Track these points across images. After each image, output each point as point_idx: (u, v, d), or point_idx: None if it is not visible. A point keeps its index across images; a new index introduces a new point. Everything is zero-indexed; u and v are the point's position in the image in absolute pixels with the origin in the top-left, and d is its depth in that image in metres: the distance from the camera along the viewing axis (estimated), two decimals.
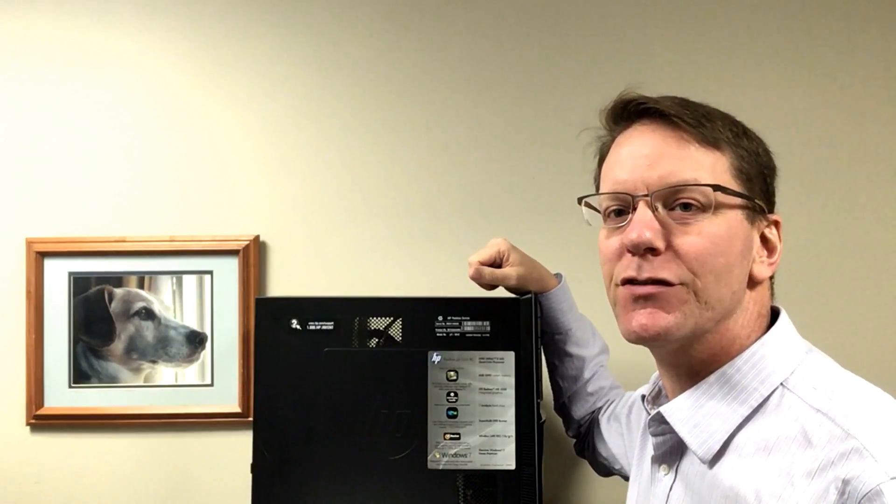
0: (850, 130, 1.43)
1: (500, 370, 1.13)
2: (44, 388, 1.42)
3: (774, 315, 0.75)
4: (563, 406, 1.23)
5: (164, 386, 1.44)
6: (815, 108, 1.44)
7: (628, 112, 0.75)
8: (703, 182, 0.68)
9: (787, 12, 1.45)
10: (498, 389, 1.13)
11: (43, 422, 1.42)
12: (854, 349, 1.39)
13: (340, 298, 1.21)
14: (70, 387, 1.43)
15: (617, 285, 0.73)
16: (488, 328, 1.14)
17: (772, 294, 0.76)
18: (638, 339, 0.70)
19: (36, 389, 1.42)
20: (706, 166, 0.69)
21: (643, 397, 0.83)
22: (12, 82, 1.45)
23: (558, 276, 1.20)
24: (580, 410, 1.20)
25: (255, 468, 1.14)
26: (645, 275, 0.69)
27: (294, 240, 1.46)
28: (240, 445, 1.41)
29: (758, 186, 0.72)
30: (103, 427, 1.43)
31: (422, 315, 1.15)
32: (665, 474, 0.76)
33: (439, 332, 1.14)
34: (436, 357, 1.14)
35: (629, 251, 0.70)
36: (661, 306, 0.69)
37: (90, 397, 1.43)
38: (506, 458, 1.11)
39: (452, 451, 1.12)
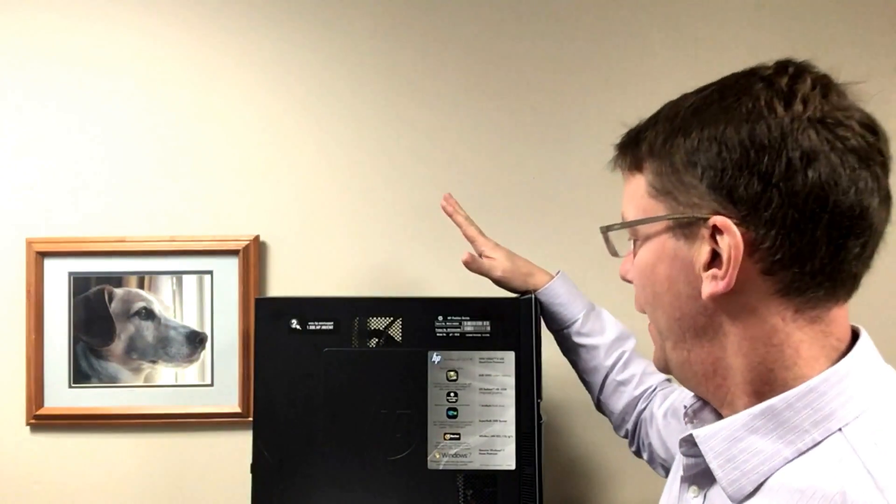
0: None
1: (500, 370, 1.13)
2: (44, 388, 1.42)
3: (855, 338, 0.62)
4: (599, 404, 1.19)
5: (164, 386, 1.44)
6: None
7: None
8: (627, 219, 0.67)
9: (789, 12, 1.45)
10: (498, 389, 1.13)
11: (43, 422, 1.42)
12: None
13: (340, 298, 1.21)
14: (70, 387, 1.43)
15: None
16: (488, 328, 1.14)
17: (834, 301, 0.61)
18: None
19: (36, 389, 1.42)
20: (630, 196, 0.67)
21: (684, 408, 0.75)
22: (12, 82, 1.45)
23: (558, 273, 1.19)
24: (617, 403, 1.15)
25: (255, 468, 1.14)
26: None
27: (294, 240, 1.46)
28: (240, 445, 1.41)
29: (701, 187, 0.59)
30: (103, 427, 1.43)
31: (422, 315, 1.15)
32: (694, 497, 0.69)
33: (439, 332, 1.14)
34: (436, 357, 1.14)
35: None
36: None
37: (90, 397, 1.43)
38: (506, 459, 1.11)
39: (452, 452, 1.12)
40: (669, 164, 0.62)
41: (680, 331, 0.64)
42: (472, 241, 1.21)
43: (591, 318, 1.17)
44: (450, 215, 1.23)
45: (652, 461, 1.12)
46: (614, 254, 0.73)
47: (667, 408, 1.08)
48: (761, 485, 0.60)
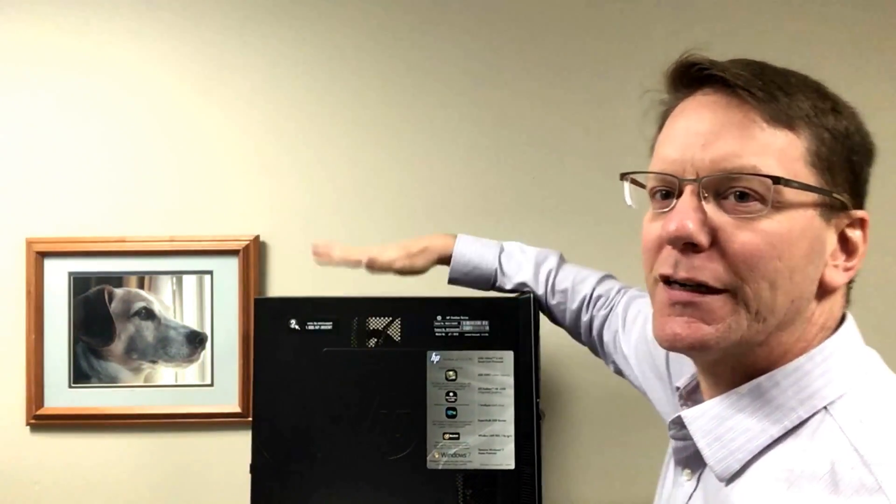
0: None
1: (499, 370, 1.13)
2: (44, 388, 1.42)
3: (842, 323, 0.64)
4: (565, 329, 1.18)
5: (164, 386, 1.44)
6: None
7: (689, 77, 0.64)
8: (763, 171, 0.57)
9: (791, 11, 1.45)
10: (497, 389, 1.13)
11: (43, 422, 1.43)
12: None
13: (340, 298, 1.21)
14: (70, 387, 1.43)
15: (656, 280, 0.63)
16: (487, 328, 1.14)
17: (847, 301, 0.65)
18: (671, 347, 0.62)
19: (36, 389, 1.42)
20: (773, 151, 0.58)
21: (677, 388, 0.74)
22: (12, 83, 1.45)
23: (457, 238, 1.19)
24: (564, 321, 1.15)
25: (255, 468, 1.14)
26: (681, 273, 0.60)
27: (294, 240, 1.46)
28: (240, 445, 1.41)
29: (842, 176, 0.60)
30: (103, 427, 1.43)
31: (421, 315, 1.15)
32: (687, 480, 0.68)
33: (438, 332, 1.14)
34: (435, 357, 1.14)
35: (668, 243, 0.60)
36: (700, 316, 0.59)
37: (90, 397, 1.43)
38: (505, 458, 1.11)
39: (452, 451, 1.12)
40: (827, 138, 0.59)
41: (790, 313, 0.59)
42: (360, 261, 1.18)
43: (504, 261, 1.17)
44: (328, 258, 1.21)
45: (617, 369, 1.10)
46: (630, 205, 0.67)
47: (617, 326, 1.06)
48: (749, 464, 0.60)
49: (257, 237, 1.44)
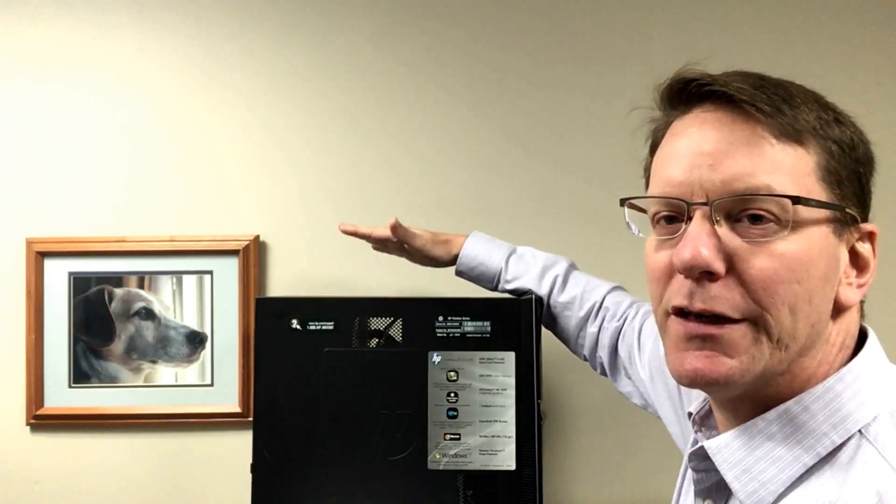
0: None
1: (500, 370, 1.13)
2: (44, 388, 1.42)
3: (862, 339, 0.61)
4: (554, 330, 1.17)
5: (164, 386, 1.43)
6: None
7: (688, 93, 0.60)
8: (778, 191, 0.54)
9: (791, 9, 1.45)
10: (498, 390, 1.13)
11: (43, 422, 1.42)
12: None
13: (340, 298, 1.21)
14: (70, 387, 1.43)
15: (668, 313, 0.59)
16: (488, 328, 1.14)
17: (861, 315, 0.62)
18: (691, 384, 0.58)
19: (36, 389, 1.42)
20: (785, 168, 0.55)
21: (689, 414, 0.70)
22: (13, 83, 1.45)
23: (470, 235, 1.21)
24: (567, 327, 1.14)
25: (255, 468, 1.14)
26: (698, 305, 0.56)
27: (294, 240, 1.46)
28: (240, 445, 1.41)
29: (850, 189, 0.57)
30: (103, 427, 1.43)
31: (422, 315, 1.15)
32: None
33: (439, 333, 1.14)
34: (436, 357, 1.14)
35: (682, 272, 0.57)
36: (721, 349, 0.56)
37: (90, 397, 1.43)
38: (506, 459, 1.11)
39: (452, 452, 1.12)
40: (836, 151, 0.57)
41: (811, 338, 0.56)
42: (390, 235, 1.19)
43: (513, 262, 1.17)
44: (353, 234, 1.24)
45: (618, 380, 1.09)
46: (631, 230, 0.63)
47: (631, 343, 1.04)
48: (783, 496, 0.56)
49: (257, 237, 1.44)
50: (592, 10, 1.46)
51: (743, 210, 0.55)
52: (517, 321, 1.13)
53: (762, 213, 0.55)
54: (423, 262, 1.22)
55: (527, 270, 1.16)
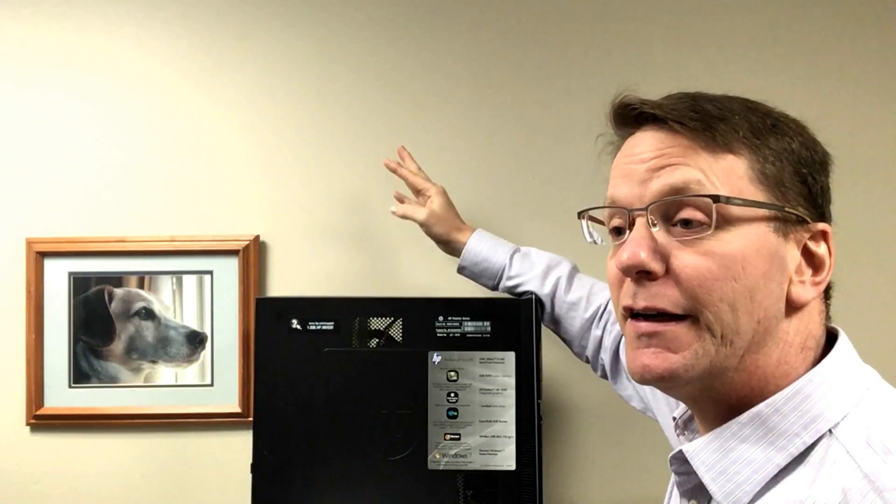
0: (854, 130, 1.42)
1: (500, 370, 1.13)
2: (44, 388, 1.42)
3: (832, 340, 0.63)
4: (558, 331, 1.18)
5: (164, 386, 1.43)
6: (820, 103, 1.44)
7: (626, 118, 0.67)
8: (702, 192, 0.59)
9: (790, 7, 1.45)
10: (498, 390, 1.13)
11: (43, 422, 1.42)
12: None
13: (340, 298, 1.21)
14: (70, 387, 1.43)
15: (623, 316, 0.64)
16: (488, 328, 1.14)
17: (827, 316, 0.64)
18: (642, 380, 0.61)
19: (36, 389, 1.42)
20: (716, 172, 0.59)
21: (674, 419, 0.73)
22: (12, 83, 1.45)
23: (475, 232, 1.22)
24: (571, 328, 1.15)
25: (255, 468, 1.14)
26: (641, 303, 0.60)
27: (294, 240, 1.46)
28: (240, 445, 1.41)
29: (794, 190, 0.61)
30: (103, 427, 1.43)
31: (422, 315, 1.15)
32: None
33: (439, 333, 1.14)
34: (436, 357, 1.14)
35: (624, 273, 0.62)
36: (665, 345, 0.59)
37: (90, 397, 1.43)
38: (506, 459, 1.11)
39: (452, 452, 1.12)
40: (770, 156, 0.61)
41: (759, 334, 0.59)
42: (419, 187, 1.27)
43: (517, 260, 1.18)
44: (394, 171, 1.30)
45: (619, 385, 1.11)
46: (592, 239, 0.70)
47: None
48: (758, 496, 0.58)
49: (257, 237, 1.44)
50: (593, 11, 1.46)
51: (676, 213, 0.60)
52: (517, 321, 1.13)
53: (690, 214, 0.59)
54: (434, 239, 1.24)
55: (531, 268, 1.16)
